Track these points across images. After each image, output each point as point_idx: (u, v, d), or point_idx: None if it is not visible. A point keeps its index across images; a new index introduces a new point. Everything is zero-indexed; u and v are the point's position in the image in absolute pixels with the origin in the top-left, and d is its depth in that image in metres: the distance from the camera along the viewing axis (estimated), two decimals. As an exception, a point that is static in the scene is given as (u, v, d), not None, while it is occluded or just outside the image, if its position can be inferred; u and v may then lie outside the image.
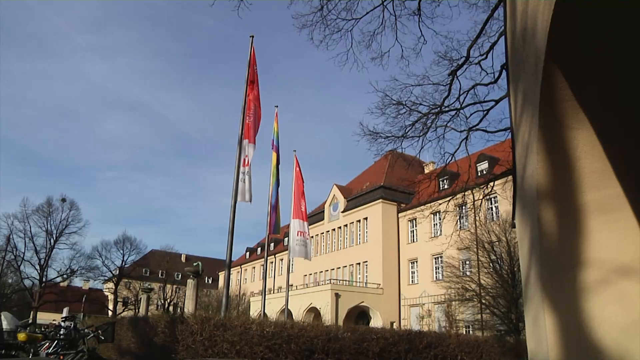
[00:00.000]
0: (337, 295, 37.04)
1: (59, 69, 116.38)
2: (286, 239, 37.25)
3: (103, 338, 7.85)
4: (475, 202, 16.39)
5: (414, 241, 40.27)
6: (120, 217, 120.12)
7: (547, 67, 2.74)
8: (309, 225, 49.75)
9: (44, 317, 48.42)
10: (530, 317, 3.55)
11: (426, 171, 37.27)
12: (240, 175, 11.08)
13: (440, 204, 23.34)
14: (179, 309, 49.82)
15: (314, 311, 37.39)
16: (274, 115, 15.87)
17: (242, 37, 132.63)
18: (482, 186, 16.27)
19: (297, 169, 17.06)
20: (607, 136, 2.95)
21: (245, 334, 8.93)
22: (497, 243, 23.21)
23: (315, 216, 49.42)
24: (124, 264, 61.93)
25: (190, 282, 14.38)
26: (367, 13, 12.21)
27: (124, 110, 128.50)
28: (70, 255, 58.23)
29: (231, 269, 11.32)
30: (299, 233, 15.98)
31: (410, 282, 39.68)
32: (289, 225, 16.59)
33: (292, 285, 41.20)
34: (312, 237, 49.54)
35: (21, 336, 7.64)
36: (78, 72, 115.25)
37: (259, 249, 64.87)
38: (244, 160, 11.30)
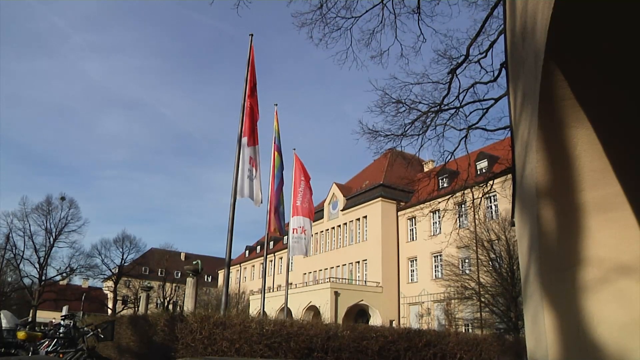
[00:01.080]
0: (337, 294, 37.07)
1: (57, 68, 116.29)
2: (285, 237, 37.32)
3: (102, 336, 7.86)
4: (475, 201, 16.38)
5: (413, 239, 40.30)
6: (119, 216, 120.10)
7: (546, 65, 2.74)
8: (309, 223, 49.33)
9: (44, 316, 48.46)
10: (530, 315, 3.56)
11: (425, 169, 37.29)
12: (246, 173, 11.10)
13: (439, 203, 23.35)
14: (178, 307, 49.85)
15: (314, 309, 37.42)
16: (274, 113, 15.87)
17: (241, 36, 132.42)
18: (481, 184, 16.26)
19: (297, 166, 17.05)
20: (607, 135, 2.95)
21: (244, 332, 8.93)
22: (496, 241, 23.23)
23: (315, 215, 49.41)
24: (123, 262, 61.97)
25: (190, 281, 14.36)
26: (367, 11, 12.21)
27: (122, 109, 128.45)
28: (70, 254, 58.10)
29: (230, 268, 11.32)
30: (294, 230, 16.01)
31: (410, 281, 39.72)
32: (288, 223, 16.59)
33: (291, 283, 41.22)
34: (312, 235, 49.46)
35: (21, 334, 7.64)
36: (77, 71, 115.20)
37: (259, 247, 64.89)
38: (250, 159, 11.32)
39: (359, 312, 39.38)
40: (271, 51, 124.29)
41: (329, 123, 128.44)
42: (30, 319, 37.06)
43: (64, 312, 18.62)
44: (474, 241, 25.87)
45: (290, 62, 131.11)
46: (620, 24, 2.53)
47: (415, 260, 39.57)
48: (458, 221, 24.27)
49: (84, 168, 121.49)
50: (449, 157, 14.20)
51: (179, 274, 66.98)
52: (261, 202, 11.77)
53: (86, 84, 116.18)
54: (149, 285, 32.90)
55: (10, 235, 51.03)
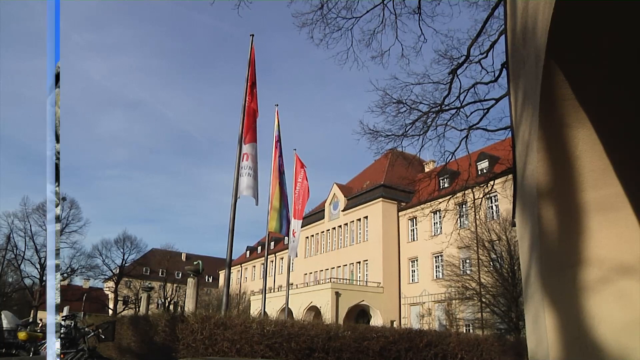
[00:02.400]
0: (338, 294, 37.06)
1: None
2: (286, 237, 37.33)
3: (103, 337, 7.87)
4: (476, 201, 16.38)
5: (414, 240, 40.29)
6: (120, 216, 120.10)
7: (547, 65, 2.74)
8: (309, 224, 49.63)
9: (44, 316, 48.38)
10: (531, 315, 3.56)
11: (426, 170, 37.27)
12: (243, 170, 11.10)
13: (440, 203, 23.40)
14: (179, 307, 49.88)
15: (315, 310, 37.42)
16: (275, 114, 15.87)
17: (242, 36, 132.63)
18: (482, 185, 16.26)
19: (298, 167, 17.06)
20: (607, 135, 2.95)
21: (245, 332, 8.94)
22: (497, 242, 23.23)
23: (316, 215, 49.42)
24: (124, 262, 62.03)
25: (191, 281, 14.36)
26: (368, 12, 12.21)
27: (123, 108, 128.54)
28: (71, 254, 58.11)
29: (231, 268, 11.32)
30: (293, 232, 16.11)
31: (411, 281, 39.70)
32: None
33: (292, 284, 41.23)
34: (312, 235, 49.72)
35: (22, 335, 7.67)
36: (77, 71, 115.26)
37: (260, 247, 64.90)
38: (249, 157, 11.33)
39: (360, 313, 39.36)
40: (272, 51, 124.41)
41: (330, 123, 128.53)
42: (31, 320, 37.07)
43: (65, 313, 18.62)
44: (475, 241, 25.86)
45: (290, 62, 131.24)
46: (621, 24, 2.53)
47: (416, 260, 39.56)
48: (459, 221, 24.25)
49: (84, 168, 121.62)
50: (450, 157, 14.20)
51: (180, 275, 67.00)
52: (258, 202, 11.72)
53: (86, 84, 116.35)
54: (149, 285, 32.89)
55: (11, 235, 51.16)
